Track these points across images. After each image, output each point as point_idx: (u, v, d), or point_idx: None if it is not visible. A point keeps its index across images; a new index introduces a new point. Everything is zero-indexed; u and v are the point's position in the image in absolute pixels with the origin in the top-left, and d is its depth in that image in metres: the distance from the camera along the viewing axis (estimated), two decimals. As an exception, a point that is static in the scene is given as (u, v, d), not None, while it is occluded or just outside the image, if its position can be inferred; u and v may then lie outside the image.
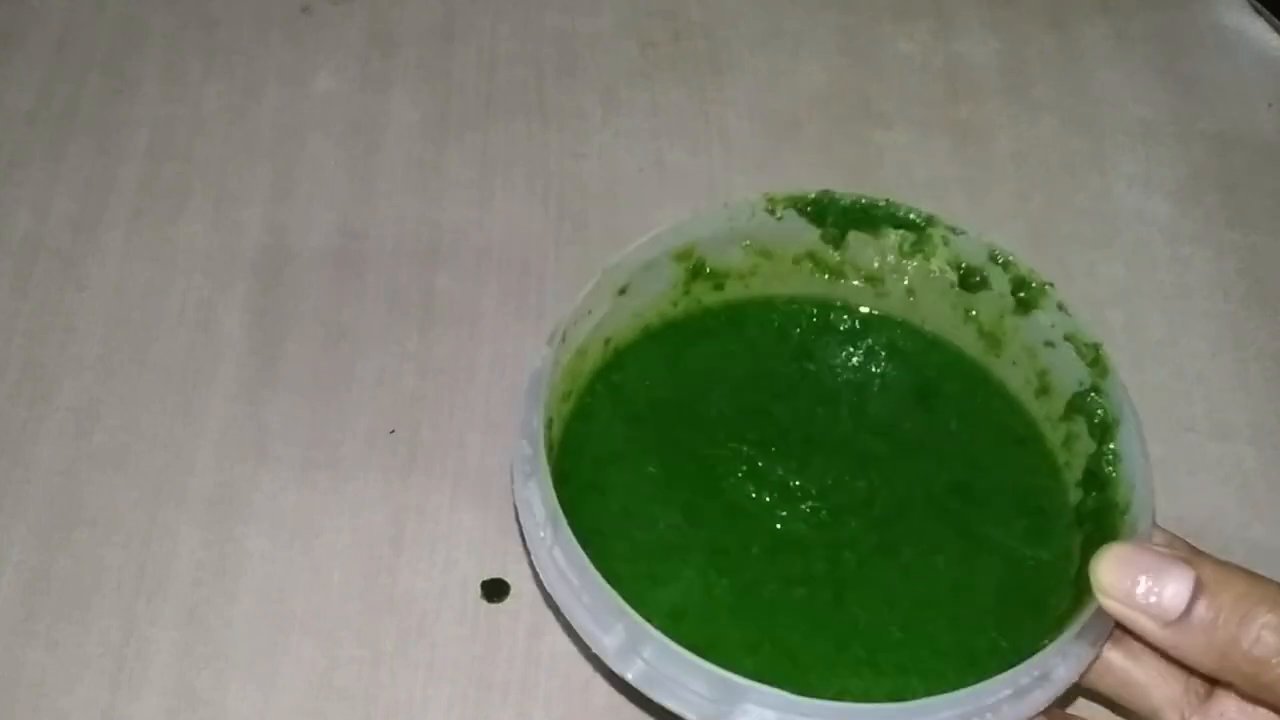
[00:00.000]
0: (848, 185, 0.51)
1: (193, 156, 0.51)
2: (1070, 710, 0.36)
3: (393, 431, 0.44)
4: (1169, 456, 0.45)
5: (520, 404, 0.36)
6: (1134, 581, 0.29)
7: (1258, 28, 0.57)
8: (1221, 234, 0.51)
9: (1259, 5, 0.57)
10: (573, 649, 0.40)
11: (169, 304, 0.47)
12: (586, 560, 0.32)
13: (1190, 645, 0.29)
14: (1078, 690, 0.34)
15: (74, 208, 0.50)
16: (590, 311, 0.38)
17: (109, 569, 0.41)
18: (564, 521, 0.33)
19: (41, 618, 0.40)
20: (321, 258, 0.49)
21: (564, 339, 0.37)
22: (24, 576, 0.41)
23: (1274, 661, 0.28)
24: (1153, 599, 0.29)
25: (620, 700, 0.39)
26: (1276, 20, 0.57)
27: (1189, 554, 0.31)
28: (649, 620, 0.31)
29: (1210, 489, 0.44)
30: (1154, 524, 0.34)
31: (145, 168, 0.51)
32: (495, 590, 0.41)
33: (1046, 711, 0.32)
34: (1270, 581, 0.30)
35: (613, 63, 0.55)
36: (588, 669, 0.40)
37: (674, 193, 0.51)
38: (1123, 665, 0.33)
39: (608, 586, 0.32)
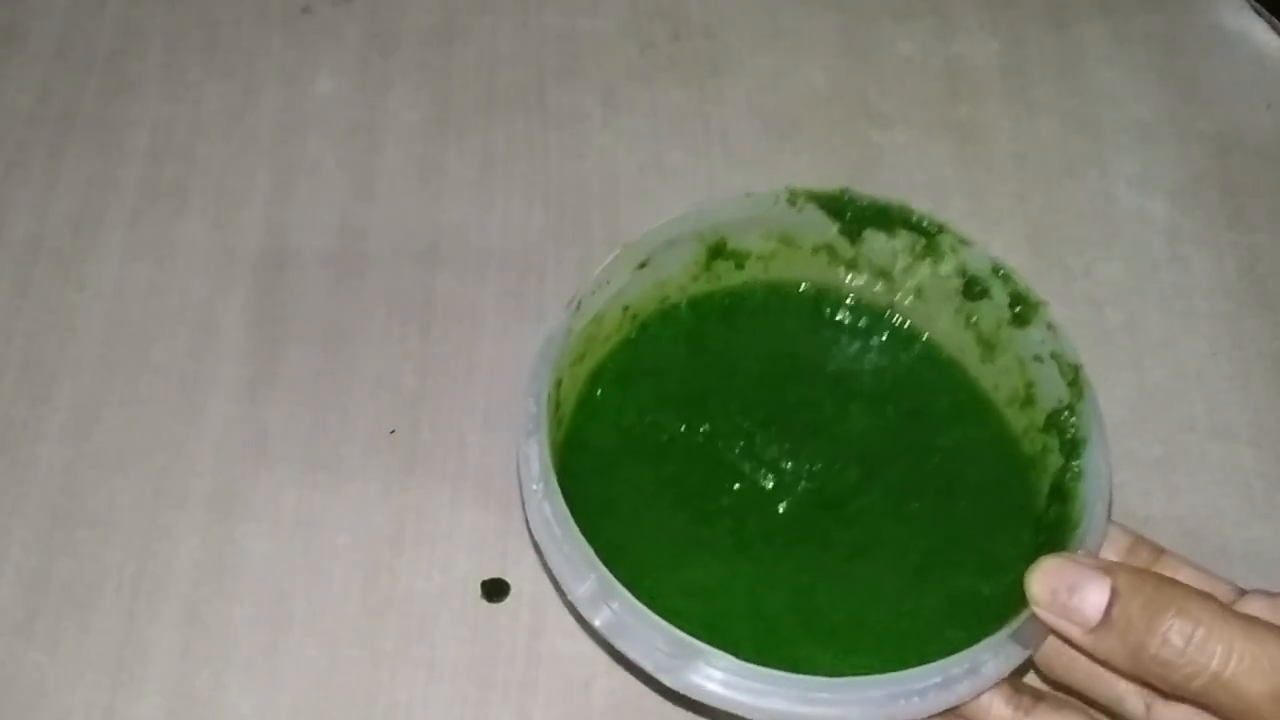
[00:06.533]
0: (848, 186, 0.51)
1: (193, 156, 0.51)
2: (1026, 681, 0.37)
3: (393, 432, 0.44)
4: (1169, 456, 0.45)
5: (531, 364, 0.38)
6: (1058, 592, 0.32)
7: (1258, 28, 0.57)
8: (1221, 234, 0.51)
9: (1259, 6, 0.57)
10: (572, 649, 0.40)
11: (169, 304, 0.47)
12: (568, 513, 0.35)
13: (1108, 649, 0.32)
14: (1030, 664, 0.36)
15: (74, 208, 0.50)
16: (609, 282, 0.40)
17: (109, 569, 0.41)
18: (554, 478, 0.35)
19: (41, 618, 0.40)
20: (321, 258, 0.49)
21: (578, 307, 0.38)
22: (24, 576, 0.41)
23: (1179, 663, 0.31)
24: (1074, 607, 0.32)
25: (620, 700, 0.39)
26: (1276, 20, 0.57)
27: (1114, 565, 0.33)
28: (642, 579, 0.34)
29: (1210, 489, 0.44)
30: (1106, 533, 0.36)
31: (145, 168, 0.51)
32: (495, 590, 0.41)
33: (1009, 680, 0.34)
34: (1178, 586, 0.32)
35: (613, 63, 0.55)
36: (588, 669, 0.40)
37: (674, 193, 0.51)
38: (1089, 658, 0.34)
39: (584, 541, 0.34)
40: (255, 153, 0.51)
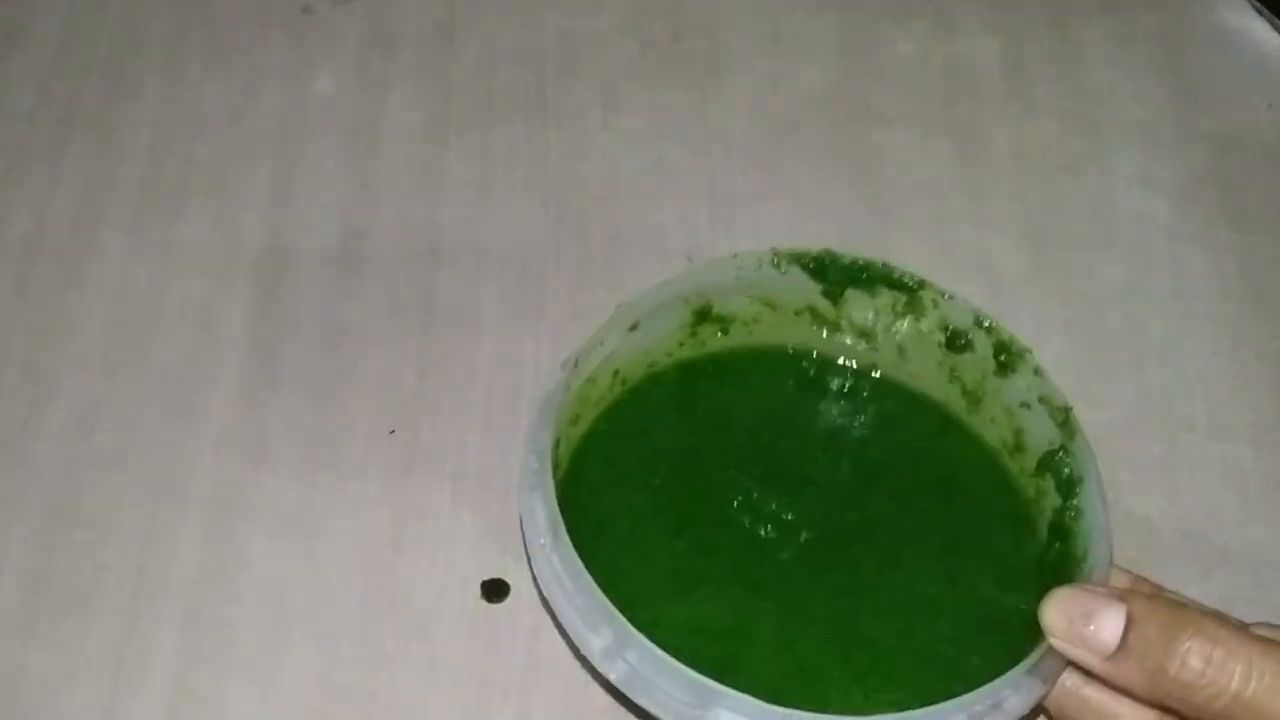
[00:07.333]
0: (848, 186, 0.52)
1: (193, 156, 0.51)
2: None
3: (393, 431, 0.44)
4: (1169, 456, 0.45)
5: (531, 421, 0.38)
6: (1074, 621, 0.32)
7: (1258, 28, 0.57)
8: (1221, 234, 0.51)
9: (1259, 5, 0.57)
10: (573, 649, 0.40)
11: (169, 304, 0.47)
12: (580, 565, 0.34)
13: (1127, 676, 0.32)
14: (1041, 709, 0.36)
15: (74, 208, 0.50)
16: (602, 343, 0.40)
17: (109, 569, 0.41)
18: (563, 529, 0.35)
19: (41, 618, 0.40)
20: (321, 258, 0.49)
21: (576, 365, 0.39)
22: (24, 576, 0.41)
23: (1200, 684, 0.31)
24: (1090, 635, 0.32)
25: (621, 700, 0.39)
26: (1276, 20, 0.57)
27: (1127, 592, 0.33)
28: (652, 631, 0.33)
29: (1210, 489, 0.44)
30: (1110, 569, 0.36)
31: (145, 168, 0.51)
32: (495, 590, 0.41)
33: None
34: (1193, 609, 0.32)
35: (613, 63, 0.55)
36: (588, 669, 0.40)
37: (674, 193, 0.51)
38: (1099, 699, 0.35)
39: (599, 591, 0.34)
40: (255, 153, 0.51)
